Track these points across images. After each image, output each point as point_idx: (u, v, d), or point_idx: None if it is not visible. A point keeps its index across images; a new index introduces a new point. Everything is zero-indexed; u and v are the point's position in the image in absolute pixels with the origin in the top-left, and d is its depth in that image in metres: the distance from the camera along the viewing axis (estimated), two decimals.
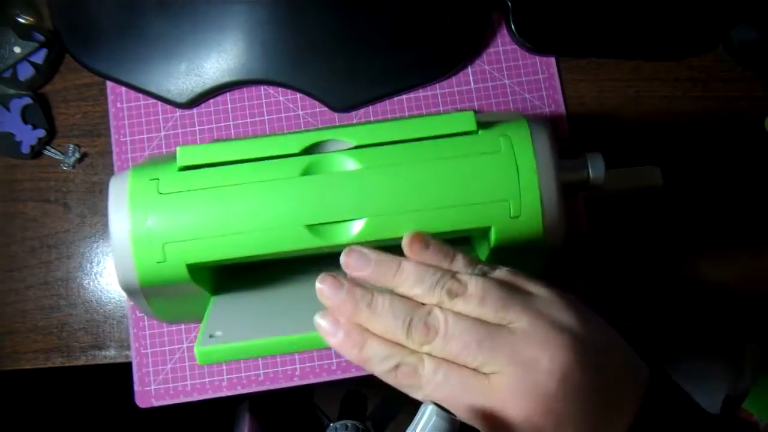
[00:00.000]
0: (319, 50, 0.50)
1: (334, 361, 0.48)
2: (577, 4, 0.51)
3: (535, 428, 0.28)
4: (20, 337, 0.49)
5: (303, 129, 0.50)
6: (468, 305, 0.30)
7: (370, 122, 0.50)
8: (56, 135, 0.51)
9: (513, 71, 0.51)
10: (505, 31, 0.52)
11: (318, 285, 0.32)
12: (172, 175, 0.37)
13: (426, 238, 0.33)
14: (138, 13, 0.50)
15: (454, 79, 0.51)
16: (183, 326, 0.48)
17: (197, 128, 0.50)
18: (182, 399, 0.48)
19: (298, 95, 0.51)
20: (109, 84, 0.51)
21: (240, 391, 0.48)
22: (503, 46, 0.51)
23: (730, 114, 0.51)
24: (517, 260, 0.34)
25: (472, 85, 0.51)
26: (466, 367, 0.29)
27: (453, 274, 0.31)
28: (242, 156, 0.37)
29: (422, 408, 0.28)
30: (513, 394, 0.28)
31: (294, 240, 0.36)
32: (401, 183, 0.36)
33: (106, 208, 0.37)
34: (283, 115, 0.50)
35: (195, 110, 0.51)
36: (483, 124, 0.38)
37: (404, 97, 0.51)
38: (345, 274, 0.33)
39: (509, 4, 0.51)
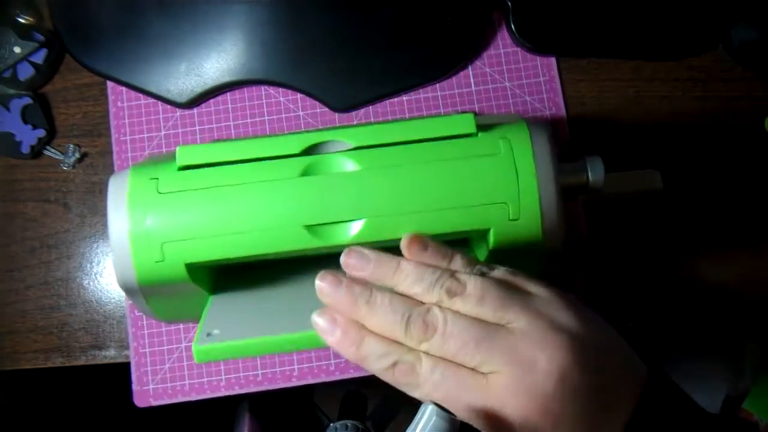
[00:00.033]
0: (319, 50, 0.50)
1: (333, 361, 0.48)
2: (577, 4, 0.51)
3: (533, 428, 0.28)
4: (20, 337, 0.49)
5: (303, 130, 0.50)
6: (467, 304, 0.30)
7: (370, 123, 0.50)
8: (56, 135, 0.51)
9: (514, 73, 0.51)
10: (505, 33, 0.52)
11: (317, 282, 0.32)
12: (171, 174, 0.37)
13: (424, 240, 0.34)
14: (138, 13, 0.50)
15: (454, 81, 0.51)
16: (181, 326, 0.48)
17: (197, 128, 0.50)
18: (180, 399, 0.48)
19: (298, 95, 0.51)
20: (109, 83, 0.51)
21: (238, 391, 0.48)
22: (504, 48, 0.51)
23: (730, 114, 0.51)
24: (516, 263, 0.34)
25: (473, 87, 0.51)
26: (464, 366, 0.29)
27: (452, 274, 0.31)
28: (242, 156, 0.37)
29: (422, 408, 0.28)
30: (511, 393, 0.28)
31: (293, 240, 0.36)
32: (400, 184, 0.36)
33: (105, 207, 0.37)
34: (283, 115, 0.50)
35: (195, 110, 0.51)
36: (483, 127, 0.38)
37: (404, 98, 0.51)
38: (345, 274, 0.33)
39: (509, 4, 0.51)
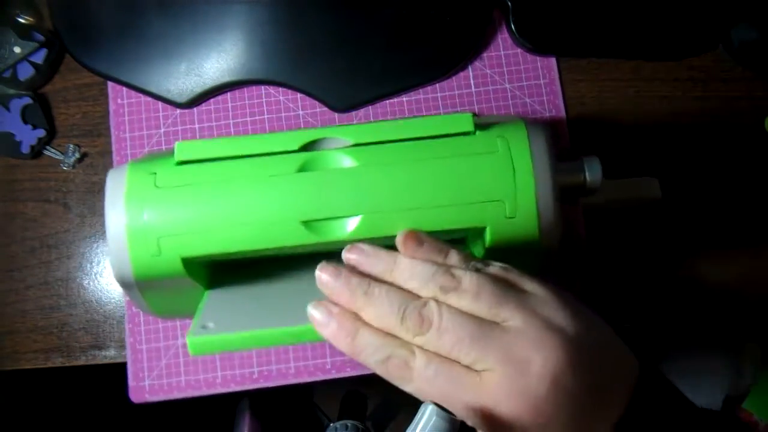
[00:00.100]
0: (319, 50, 0.50)
1: (329, 360, 0.48)
2: (577, 4, 0.51)
3: (525, 427, 0.28)
4: (20, 337, 0.49)
5: (301, 127, 0.50)
6: (462, 300, 0.30)
7: (369, 122, 0.50)
8: (56, 135, 0.51)
9: (514, 75, 0.51)
10: (506, 35, 0.52)
11: (318, 272, 0.32)
12: (169, 169, 0.37)
13: (420, 236, 0.34)
14: (138, 13, 0.50)
15: (454, 82, 0.51)
16: (178, 322, 0.48)
17: (197, 126, 0.50)
18: (176, 395, 0.48)
19: (298, 95, 0.51)
20: (110, 81, 0.51)
21: (234, 388, 0.48)
22: (505, 50, 0.51)
23: (730, 114, 0.51)
24: (513, 261, 0.34)
25: (473, 89, 0.51)
26: (458, 363, 0.29)
27: (447, 269, 0.31)
28: (240, 152, 0.38)
29: (422, 408, 0.28)
30: (504, 393, 0.28)
31: (290, 236, 0.37)
32: (397, 181, 0.37)
33: (103, 201, 0.37)
34: (282, 114, 0.51)
35: (195, 108, 0.51)
36: (480, 126, 0.38)
37: (404, 98, 0.51)
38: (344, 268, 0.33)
39: (509, 4, 0.51)
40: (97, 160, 0.51)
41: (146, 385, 0.48)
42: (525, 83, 0.51)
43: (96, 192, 0.50)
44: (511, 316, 0.30)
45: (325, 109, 0.51)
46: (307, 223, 0.37)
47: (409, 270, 0.32)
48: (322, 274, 0.32)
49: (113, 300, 0.49)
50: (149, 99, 0.51)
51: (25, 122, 0.50)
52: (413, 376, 0.29)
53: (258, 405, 1.07)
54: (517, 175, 0.36)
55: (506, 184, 0.36)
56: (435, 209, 0.36)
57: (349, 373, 0.48)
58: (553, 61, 0.51)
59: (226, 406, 1.08)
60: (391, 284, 0.32)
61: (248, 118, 0.50)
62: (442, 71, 0.51)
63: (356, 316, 0.31)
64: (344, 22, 0.50)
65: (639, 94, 0.51)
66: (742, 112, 0.51)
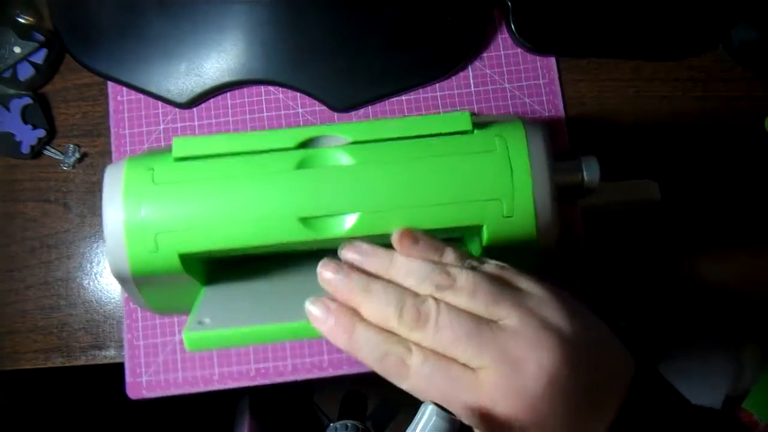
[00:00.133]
0: (319, 50, 0.50)
1: (326, 357, 0.48)
2: (577, 4, 0.51)
3: (521, 426, 0.29)
4: (20, 337, 0.49)
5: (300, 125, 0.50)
6: (458, 298, 0.30)
7: (367, 120, 0.50)
8: (56, 135, 0.51)
9: (513, 75, 0.51)
10: (506, 35, 0.52)
11: (319, 269, 0.32)
12: (167, 165, 0.38)
13: (415, 234, 0.34)
14: (138, 13, 0.50)
15: (454, 82, 0.51)
16: (175, 318, 0.48)
17: (196, 123, 0.50)
18: (173, 391, 0.48)
19: (298, 95, 0.51)
20: None
21: (231, 385, 0.48)
22: (504, 50, 0.51)
23: (730, 114, 0.51)
24: (510, 260, 0.34)
25: (472, 88, 0.51)
26: (455, 361, 0.29)
27: (443, 268, 0.31)
28: (238, 148, 0.38)
29: (422, 408, 0.28)
30: (500, 393, 0.28)
31: (287, 232, 0.37)
32: (395, 179, 0.37)
33: (100, 197, 0.37)
34: (282, 112, 0.51)
35: (195, 107, 0.51)
36: (479, 125, 0.38)
37: (404, 98, 0.51)
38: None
39: (509, 4, 0.51)
40: (97, 160, 0.51)
41: (143, 382, 0.48)
42: (524, 83, 0.51)
43: (96, 192, 0.50)
44: (507, 315, 0.30)
45: (325, 108, 0.51)
46: (304, 220, 0.37)
47: (405, 268, 0.32)
48: (324, 270, 0.32)
49: (113, 300, 0.49)
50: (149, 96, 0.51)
51: (25, 122, 0.50)
52: (410, 374, 0.29)
53: (258, 405, 1.07)
54: (515, 173, 0.37)
55: (504, 182, 0.36)
56: (432, 207, 0.36)
57: (346, 370, 0.48)
58: (552, 60, 0.51)
59: (226, 406, 1.08)
60: (389, 281, 0.32)
61: (247, 116, 0.51)
62: (442, 71, 0.51)
63: (354, 313, 0.31)
64: (344, 22, 0.50)
65: (639, 94, 0.51)
66: (742, 112, 0.51)
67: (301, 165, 0.37)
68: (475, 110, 0.50)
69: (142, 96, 0.51)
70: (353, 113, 0.51)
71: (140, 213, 0.36)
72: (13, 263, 0.50)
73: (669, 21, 0.51)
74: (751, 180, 0.51)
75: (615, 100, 0.51)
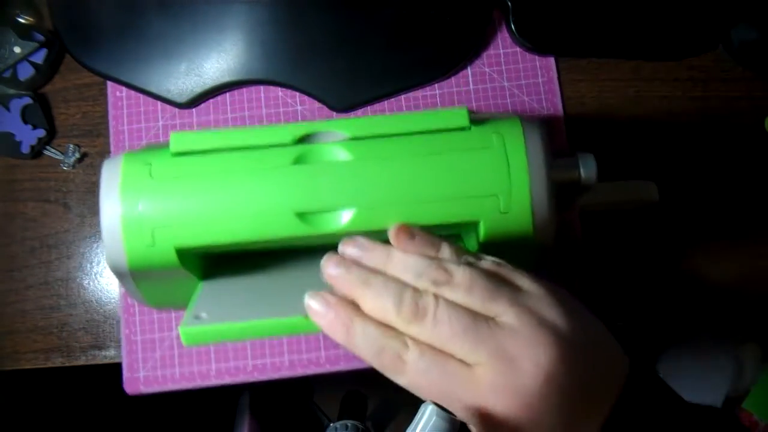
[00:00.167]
0: (319, 50, 0.50)
1: (323, 353, 0.48)
2: (577, 4, 0.51)
3: (516, 423, 0.29)
4: (20, 337, 0.49)
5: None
6: (455, 294, 0.30)
7: (365, 116, 0.50)
8: (56, 135, 0.51)
9: (512, 73, 0.51)
10: (505, 33, 0.52)
11: (323, 263, 0.33)
12: (164, 160, 0.38)
13: (411, 229, 0.34)
14: (138, 13, 0.50)
15: (453, 80, 0.51)
16: (173, 314, 0.48)
17: (195, 119, 0.51)
18: (170, 386, 0.48)
19: (298, 95, 0.51)
20: None
21: (228, 380, 0.48)
22: (504, 48, 0.51)
23: (730, 114, 0.51)
24: (507, 257, 0.34)
25: (471, 87, 0.51)
26: (452, 357, 0.29)
27: (440, 263, 0.31)
28: (235, 144, 0.38)
29: (422, 408, 0.28)
30: (495, 390, 0.28)
31: (283, 227, 0.37)
32: (392, 175, 0.37)
33: (98, 192, 0.38)
34: (281, 110, 0.51)
35: (195, 107, 0.51)
36: (476, 122, 0.38)
37: (403, 97, 0.51)
38: None
39: (509, 4, 0.51)
40: (97, 160, 0.51)
41: (141, 377, 0.48)
42: (523, 81, 0.51)
43: (96, 192, 0.50)
44: (503, 312, 0.30)
45: (325, 108, 0.51)
46: (301, 215, 0.37)
47: (402, 263, 0.32)
48: (327, 264, 0.33)
49: (113, 300, 0.49)
50: None
51: (25, 122, 0.50)
52: (406, 369, 0.29)
53: (258, 405, 1.07)
54: (512, 170, 0.37)
55: (500, 178, 0.36)
56: (429, 203, 0.36)
57: (343, 367, 0.48)
58: (551, 59, 0.51)
59: (226, 406, 1.08)
60: (390, 276, 0.32)
61: (246, 116, 0.51)
62: (442, 71, 0.51)
63: (353, 307, 0.31)
64: (344, 22, 0.50)
65: (639, 94, 0.52)
66: (742, 112, 0.51)
67: (299, 160, 0.37)
68: (474, 108, 0.50)
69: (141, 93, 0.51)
70: (353, 113, 0.51)
71: (137, 207, 0.36)
72: (13, 263, 0.50)
73: (669, 21, 0.51)
74: (751, 180, 0.51)
75: (615, 100, 0.51)
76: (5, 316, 0.49)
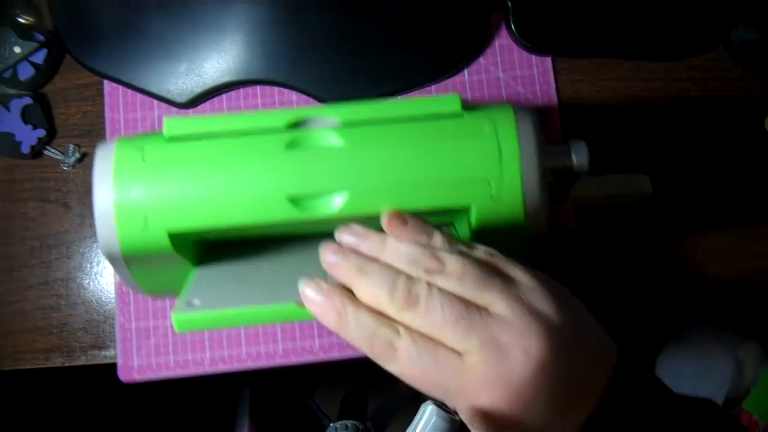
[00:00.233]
0: (319, 50, 0.50)
1: (317, 341, 0.48)
2: (577, 4, 0.51)
3: (505, 413, 0.29)
4: (20, 337, 0.49)
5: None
6: (447, 282, 0.30)
7: (358, 102, 0.50)
8: (56, 135, 0.51)
9: (507, 65, 0.51)
10: (505, 33, 0.52)
11: (321, 250, 0.33)
12: (157, 145, 0.38)
13: (404, 216, 0.34)
14: (138, 13, 0.50)
15: (450, 82, 0.51)
16: (167, 302, 0.48)
17: (191, 112, 0.51)
18: (164, 374, 0.48)
19: (297, 95, 0.51)
20: None
21: (222, 368, 0.48)
22: (498, 39, 0.52)
23: (730, 114, 0.51)
24: (500, 246, 0.34)
25: (466, 78, 0.51)
26: (443, 345, 0.29)
27: (432, 252, 0.31)
28: (228, 128, 0.38)
29: (422, 408, 0.28)
30: (485, 378, 0.29)
31: (276, 212, 0.37)
32: (384, 160, 0.37)
33: (90, 178, 0.38)
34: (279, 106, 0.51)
35: (194, 107, 0.51)
36: (469, 108, 0.38)
37: (403, 97, 0.51)
38: None
39: (509, 4, 0.51)
40: None
41: (135, 365, 0.48)
42: (518, 73, 0.51)
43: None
44: (495, 301, 0.30)
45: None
46: (293, 200, 0.37)
47: (395, 251, 0.32)
48: (325, 251, 0.33)
49: (113, 300, 0.49)
50: None
51: (25, 122, 0.50)
52: (397, 356, 0.29)
53: (258, 405, 1.07)
54: (503, 155, 0.37)
55: (492, 164, 0.37)
56: (421, 188, 0.37)
57: (336, 355, 0.48)
58: (547, 58, 0.51)
59: (226, 407, 1.08)
60: (385, 263, 0.32)
61: (243, 107, 0.51)
62: (442, 71, 0.51)
63: (346, 294, 0.31)
64: (344, 22, 0.50)
65: (639, 94, 0.51)
66: (742, 112, 0.51)
67: (291, 145, 0.37)
68: (469, 98, 0.51)
69: None
70: None
71: (130, 191, 0.37)
72: (13, 263, 0.50)
73: (669, 21, 0.51)
74: (751, 180, 0.51)
75: (615, 100, 0.51)
76: (5, 316, 0.49)
